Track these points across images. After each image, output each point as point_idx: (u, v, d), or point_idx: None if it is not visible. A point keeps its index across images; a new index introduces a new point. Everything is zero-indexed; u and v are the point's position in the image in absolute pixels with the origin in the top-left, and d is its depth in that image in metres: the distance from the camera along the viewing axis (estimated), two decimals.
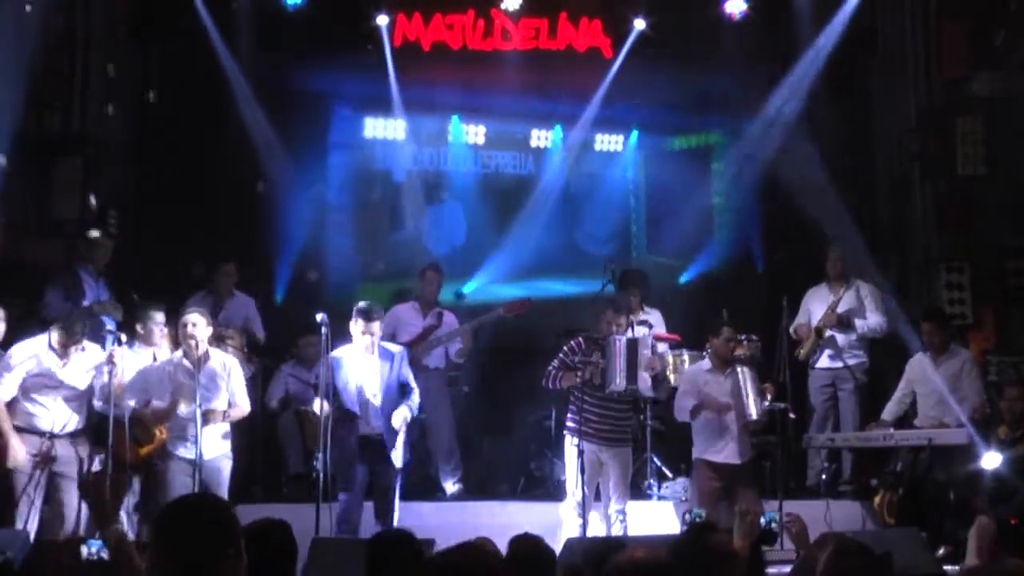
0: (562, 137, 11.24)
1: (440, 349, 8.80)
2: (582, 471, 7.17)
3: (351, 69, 10.40)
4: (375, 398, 7.16)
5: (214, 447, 7.05)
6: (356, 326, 7.14)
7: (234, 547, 2.81)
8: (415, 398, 7.30)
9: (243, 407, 7.34)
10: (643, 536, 6.67)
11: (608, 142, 11.46)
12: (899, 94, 10.34)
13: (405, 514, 7.20)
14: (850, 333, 8.88)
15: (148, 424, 7.17)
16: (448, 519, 7.66)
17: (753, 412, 7.55)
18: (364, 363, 7.20)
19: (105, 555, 4.39)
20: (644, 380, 7.42)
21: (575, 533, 6.99)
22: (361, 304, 7.26)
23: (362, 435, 7.12)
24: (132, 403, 7.03)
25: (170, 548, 2.77)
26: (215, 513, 2.85)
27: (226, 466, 7.15)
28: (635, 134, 11.35)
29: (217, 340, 8.14)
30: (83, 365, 7.14)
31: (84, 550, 4.46)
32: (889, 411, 8.44)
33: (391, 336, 8.75)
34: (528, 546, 4.19)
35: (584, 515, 7.13)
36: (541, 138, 11.29)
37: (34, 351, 7.06)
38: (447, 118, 11.05)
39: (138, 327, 7.55)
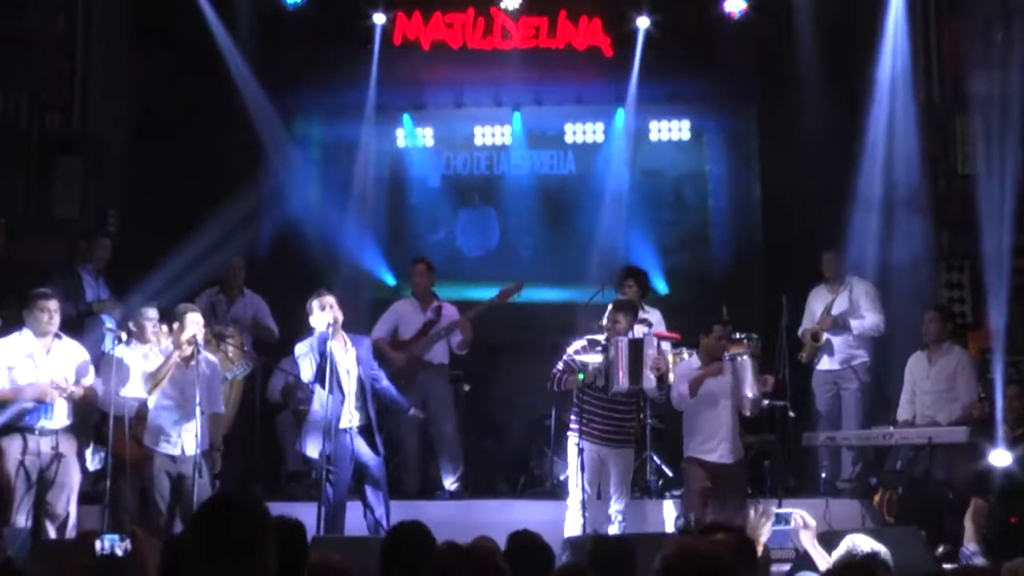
0: (609, 128, 10.69)
1: (442, 344, 8.80)
2: (583, 469, 7.17)
3: (352, 69, 10.39)
4: (352, 386, 7.15)
5: (195, 443, 6.95)
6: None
7: (271, 545, 2.76)
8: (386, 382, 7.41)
9: (218, 410, 7.32)
10: (642, 534, 6.67)
11: (669, 130, 10.78)
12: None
13: (405, 513, 7.17)
14: (847, 334, 8.88)
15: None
16: (448, 518, 7.63)
17: (749, 392, 7.53)
18: (339, 351, 7.13)
19: (119, 550, 4.40)
20: (649, 380, 7.37)
21: (576, 532, 6.99)
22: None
23: (347, 427, 7.11)
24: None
25: (211, 543, 2.72)
26: (254, 510, 2.80)
27: (207, 462, 7.04)
28: (621, 112, 10.62)
29: (217, 338, 8.15)
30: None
31: (98, 544, 4.46)
32: (902, 412, 8.39)
33: (393, 331, 8.78)
34: (526, 541, 4.20)
35: (585, 514, 7.12)
36: (577, 133, 10.83)
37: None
38: (469, 119, 10.86)
39: (130, 324, 7.51)
